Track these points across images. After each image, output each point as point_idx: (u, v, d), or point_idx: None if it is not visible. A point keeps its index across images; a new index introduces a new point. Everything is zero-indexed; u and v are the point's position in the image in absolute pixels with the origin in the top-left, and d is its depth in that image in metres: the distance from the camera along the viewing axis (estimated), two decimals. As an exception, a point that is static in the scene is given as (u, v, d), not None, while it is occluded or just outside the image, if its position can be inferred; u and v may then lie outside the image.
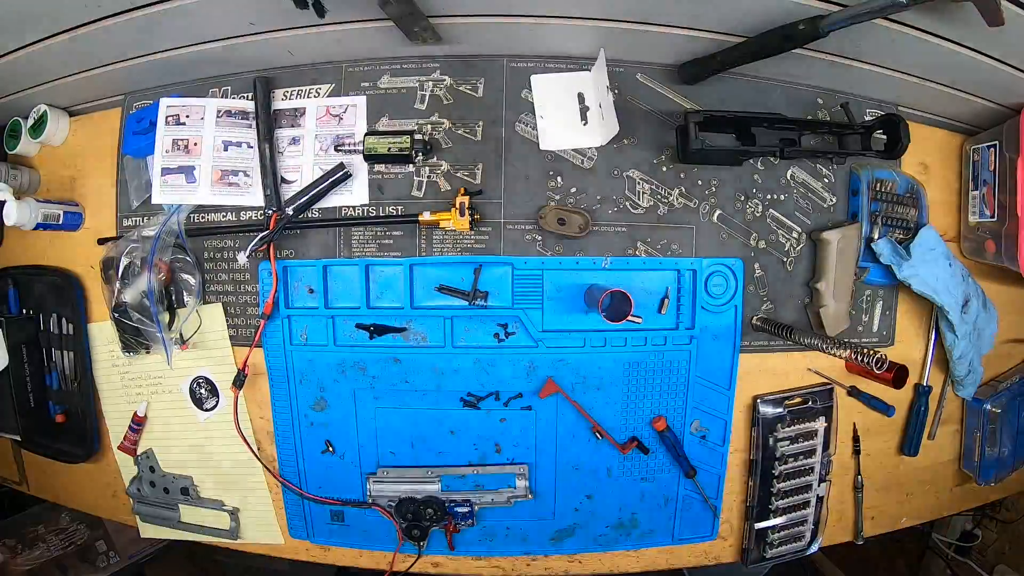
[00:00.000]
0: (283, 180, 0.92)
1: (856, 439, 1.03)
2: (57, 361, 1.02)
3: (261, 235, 0.87)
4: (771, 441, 0.96)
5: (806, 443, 0.98)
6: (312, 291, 0.92)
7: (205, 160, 0.92)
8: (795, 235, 0.95)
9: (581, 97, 0.91)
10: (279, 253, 0.92)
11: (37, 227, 0.82)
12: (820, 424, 0.98)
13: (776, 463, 0.97)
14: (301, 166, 0.92)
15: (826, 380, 0.99)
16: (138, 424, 1.01)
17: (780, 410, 0.96)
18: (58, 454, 1.06)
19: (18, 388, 1.01)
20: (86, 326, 1.00)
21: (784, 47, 0.74)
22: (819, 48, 0.81)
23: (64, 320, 1.01)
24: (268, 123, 0.90)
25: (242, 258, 0.87)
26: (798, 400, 0.98)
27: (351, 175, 0.90)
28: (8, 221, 0.77)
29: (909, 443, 1.04)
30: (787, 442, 0.97)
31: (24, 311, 1.04)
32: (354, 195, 0.91)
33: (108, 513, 1.10)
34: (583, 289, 0.92)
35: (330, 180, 0.89)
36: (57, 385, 1.03)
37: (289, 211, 0.89)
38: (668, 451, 0.96)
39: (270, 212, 0.89)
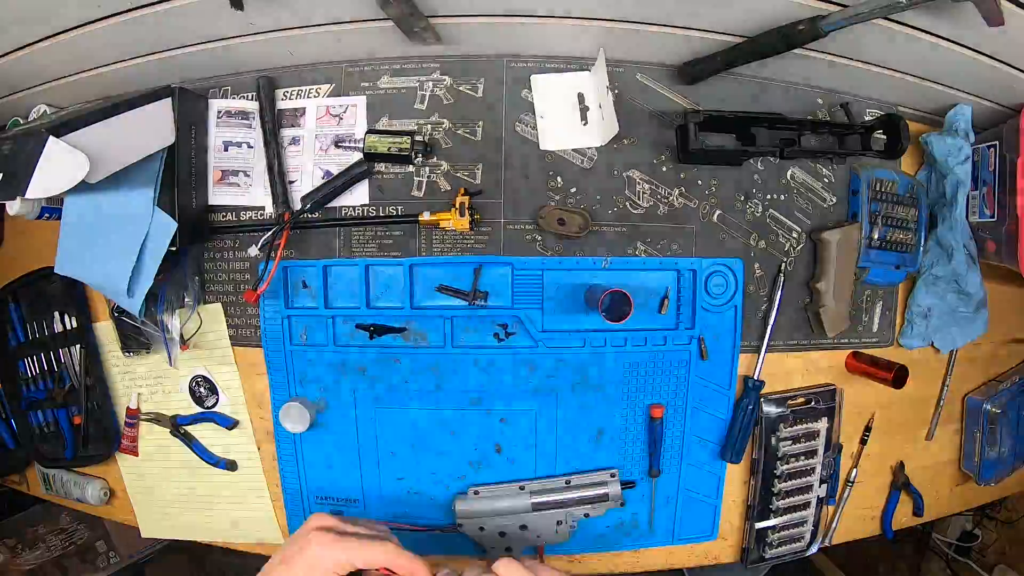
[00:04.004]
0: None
1: (868, 429, 1.03)
2: (66, 360, 1.02)
3: (273, 229, 0.87)
4: (773, 440, 0.96)
5: (808, 443, 0.98)
6: (307, 286, 0.92)
7: (207, 160, 0.92)
8: (795, 235, 0.95)
9: (581, 97, 0.91)
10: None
11: (42, 214, 0.81)
12: (822, 424, 0.98)
13: (778, 463, 0.97)
14: (301, 166, 0.92)
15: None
16: (132, 418, 1.01)
17: (783, 410, 0.96)
18: (81, 461, 1.05)
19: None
20: (91, 324, 1.00)
21: (785, 47, 0.75)
22: (819, 48, 0.81)
23: (67, 316, 1.01)
24: (274, 123, 0.91)
25: (253, 251, 0.87)
26: (801, 400, 0.98)
27: (371, 173, 0.90)
28: (11, 211, 0.77)
29: (731, 449, 0.95)
30: (789, 442, 0.97)
31: (28, 328, 1.04)
32: (354, 195, 0.92)
33: (108, 513, 1.10)
34: (583, 289, 0.92)
35: (351, 176, 0.89)
36: (68, 384, 1.03)
37: (308, 206, 0.89)
38: (648, 440, 0.96)
39: (282, 212, 0.89)
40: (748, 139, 0.89)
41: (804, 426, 0.97)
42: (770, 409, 0.96)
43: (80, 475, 1.07)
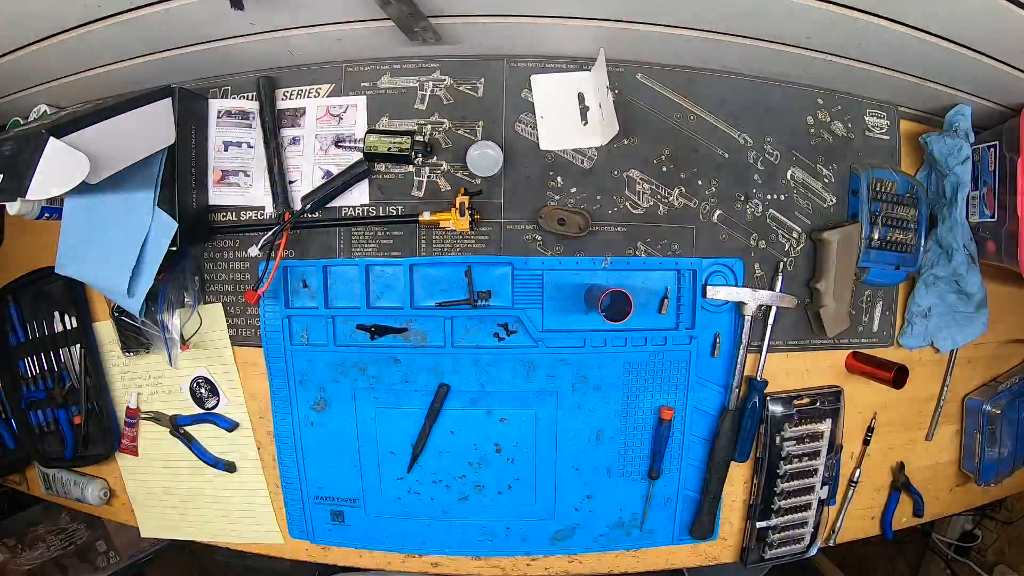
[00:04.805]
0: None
1: (870, 429, 1.03)
2: (66, 360, 1.02)
3: (274, 229, 0.87)
4: (777, 440, 0.96)
5: (812, 444, 0.98)
6: (307, 285, 0.92)
7: (207, 160, 0.92)
8: (795, 235, 0.95)
9: (581, 97, 0.91)
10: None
11: (42, 214, 0.81)
12: (826, 426, 0.98)
13: (781, 462, 0.97)
14: (301, 166, 0.92)
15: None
16: (131, 418, 1.01)
17: (788, 409, 0.96)
18: (81, 461, 1.05)
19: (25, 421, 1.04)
20: (91, 324, 1.00)
21: None
22: (820, 49, 0.81)
23: (67, 316, 1.01)
24: (274, 123, 0.91)
25: (254, 251, 0.87)
26: (806, 400, 0.97)
27: (371, 173, 0.90)
28: (11, 212, 0.77)
29: (740, 449, 0.95)
30: (793, 442, 0.97)
31: (28, 328, 1.04)
32: (354, 195, 0.92)
33: (108, 513, 1.10)
34: (583, 289, 0.92)
35: (351, 176, 0.89)
36: (68, 384, 1.03)
37: (308, 206, 0.89)
38: (653, 442, 0.96)
39: (282, 212, 0.89)
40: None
41: (808, 427, 0.97)
42: (776, 409, 0.96)
43: (80, 475, 1.07)
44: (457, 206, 0.87)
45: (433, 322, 0.92)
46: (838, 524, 1.05)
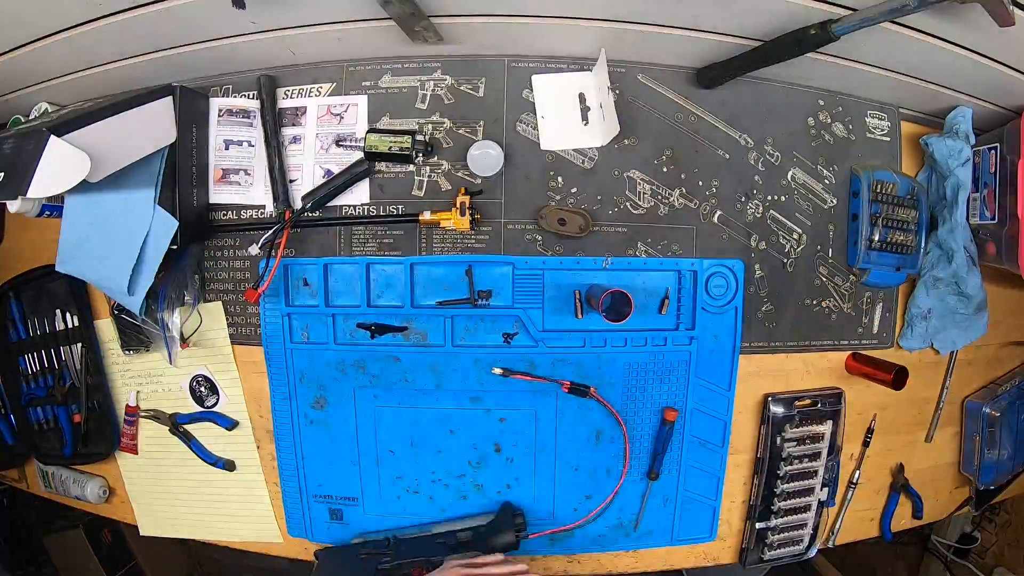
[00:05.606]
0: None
1: (870, 431, 1.03)
2: (67, 358, 1.02)
3: (275, 228, 0.87)
4: (778, 440, 0.96)
5: (812, 445, 0.98)
6: (308, 283, 0.92)
7: (207, 159, 0.92)
8: (795, 236, 0.95)
9: (582, 97, 0.91)
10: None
11: (42, 212, 0.81)
12: (826, 428, 0.98)
13: (782, 463, 0.97)
14: (302, 165, 0.92)
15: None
16: (131, 416, 1.00)
17: (790, 410, 0.96)
18: (80, 459, 1.05)
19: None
20: (93, 321, 1.00)
21: (798, 52, 0.74)
22: (821, 50, 0.81)
23: (69, 314, 1.01)
24: (275, 122, 0.91)
25: (254, 249, 0.87)
26: (808, 402, 0.98)
27: (372, 172, 0.90)
28: (12, 209, 0.77)
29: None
30: (794, 443, 0.97)
31: (29, 325, 1.04)
32: (355, 194, 0.92)
33: (108, 511, 1.10)
34: (583, 289, 0.92)
35: (352, 175, 0.89)
36: (68, 382, 1.02)
37: (308, 205, 0.89)
38: (654, 442, 0.96)
39: (283, 210, 0.90)
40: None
41: (809, 428, 0.97)
42: (777, 410, 0.96)
43: (79, 473, 1.07)
44: (458, 205, 0.87)
45: (433, 321, 0.92)
46: (837, 525, 1.06)
